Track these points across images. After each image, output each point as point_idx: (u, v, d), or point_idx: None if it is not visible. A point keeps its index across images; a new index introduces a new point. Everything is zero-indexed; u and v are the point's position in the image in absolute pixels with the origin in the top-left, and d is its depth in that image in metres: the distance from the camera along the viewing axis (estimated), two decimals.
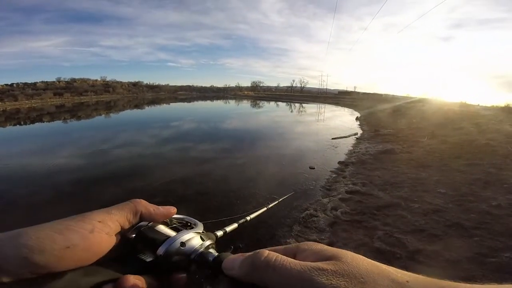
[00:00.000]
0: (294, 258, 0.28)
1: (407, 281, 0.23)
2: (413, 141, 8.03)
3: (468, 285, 0.22)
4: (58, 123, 17.43)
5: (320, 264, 0.24)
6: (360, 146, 8.04)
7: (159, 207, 0.35)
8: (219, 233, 0.42)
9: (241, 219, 0.53)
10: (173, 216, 0.37)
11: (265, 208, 0.65)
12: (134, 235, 0.33)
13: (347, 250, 0.26)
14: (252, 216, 0.57)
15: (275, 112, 24.52)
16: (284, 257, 0.26)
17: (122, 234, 0.32)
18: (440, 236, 2.87)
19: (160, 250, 0.31)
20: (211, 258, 0.32)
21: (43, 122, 18.64)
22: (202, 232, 0.36)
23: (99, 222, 0.29)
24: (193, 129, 12.78)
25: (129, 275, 0.27)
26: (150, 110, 27.67)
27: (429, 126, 9.90)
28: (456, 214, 3.28)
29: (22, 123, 18.56)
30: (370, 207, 3.59)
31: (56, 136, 11.72)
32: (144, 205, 0.34)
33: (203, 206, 3.92)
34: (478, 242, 2.70)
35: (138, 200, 0.34)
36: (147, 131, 11.69)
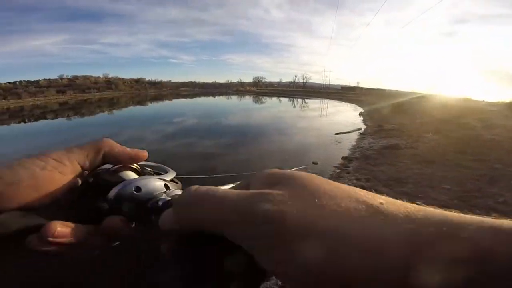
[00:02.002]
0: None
1: (380, 202, 0.18)
2: (417, 136, 7.95)
3: (460, 214, 0.18)
4: (62, 120, 17.58)
5: (263, 190, 0.19)
6: (363, 141, 7.97)
7: (127, 148, 0.31)
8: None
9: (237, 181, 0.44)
10: (146, 164, 0.32)
11: None
12: (92, 178, 0.29)
13: None
14: None
15: (277, 108, 24.42)
16: (220, 188, 0.21)
17: (82, 177, 0.28)
18: None
19: (111, 194, 0.26)
20: (161, 203, 0.26)
21: (47, 119, 18.77)
22: (171, 180, 0.30)
23: (54, 159, 0.25)
24: (196, 124, 12.78)
25: (54, 222, 0.23)
26: (153, 107, 27.73)
27: (434, 121, 9.80)
28: (461, 210, 3.23)
29: (26, 120, 18.74)
30: None
31: (60, 133, 11.82)
32: (109, 144, 0.30)
33: None
34: None
35: (104, 138, 0.30)
36: (150, 127, 11.71)
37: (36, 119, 18.81)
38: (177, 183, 0.31)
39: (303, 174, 0.21)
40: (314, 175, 0.21)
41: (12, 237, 0.22)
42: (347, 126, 11.02)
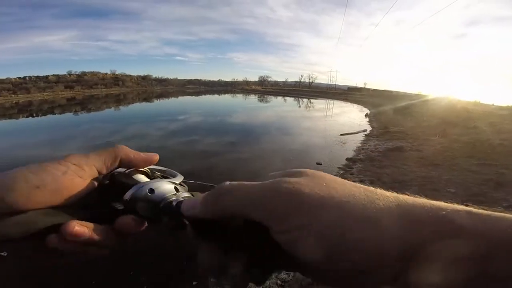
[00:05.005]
0: None
1: (374, 188, 0.23)
2: (424, 139, 7.89)
3: (444, 203, 0.21)
4: (69, 115, 17.81)
5: (282, 178, 0.24)
6: (369, 143, 7.93)
7: (140, 153, 0.33)
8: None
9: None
10: (156, 168, 0.35)
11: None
12: (108, 181, 0.31)
13: None
14: None
15: (282, 107, 24.38)
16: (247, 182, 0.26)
17: (99, 180, 0.31)
18: None
19: (127, 195, 0.29)
20: (174, 203, 0.29)
21: (55, 114, 19.04)
22: (179, 183, 0.33)
23: (74, 164, 0.28)
24: (200, 122, 12.82)
25: (73, 221, 0.26)
26: (159, 103, 27.94)
27: (441, 124, 9.69)
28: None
29: (34, 115, 19.02)
30: None
31: (66, 128, 11.96)
32: (124, 151, 0.32)
33: None
34: None
35: (119, 145, 0.32)
36: (155, 124, 11.78)
37: (44, 114, 19.13)
38: (184, 186, 0.34)
39: (310, 170, 0.26)
40: (319, 171, 0.26)
41: (34, 235, 0.24)
42: (352, 127, 10.97)
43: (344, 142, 8.10)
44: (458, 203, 0.21)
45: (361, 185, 0.23)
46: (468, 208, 0.20)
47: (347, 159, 6.10)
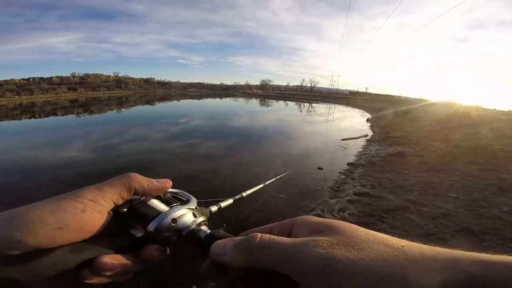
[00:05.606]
0: (290, 233, 0.29)
1: (402, 245, 0.24)
2: (425, 144, 7.87)
3: (461, 251, 0.23)
4: (71, 117, 17.89)
5: (314, 237, 0.25)
6: (370, 148, 7.92)
7: (154, 180, 0.34)
8: (214, 208, 0.42)
9: (237, 195, 0.52)
10: (169, 190, 0.37)
11: (262, 185, 0.63)
12: (126, 209, 0.32)
13: None
14: (248, 192, 0.56)
15: (283, 111, 24.42)
16: (278, 236, 0.26)
17: (115, 209, 0.31)
18: (448, 240, 2.82)
19: (151, 227, 0.30)
20: (202, 235, 0.32)
21: (57, 115, 19.13)
22: (195, 208, 0.35)
23: (91, 200, 0.28)
24: (202, 125, 12.85)
25: (104, 256, 0.27)
26: (162, 106, 28.01)
27: (442, 129, 9.68)
28: (466, 219, 3.20)
29: (36, 116, 19.12)
30: (379, 210, 3.54)
31: (67, 130, 12.00)
32: (138, 180, 0.32)
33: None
34: (486, 247, 2.63)
35: (131, 174, 0.33)
36: (157, 126, 11.84)
37: (47, 115, 19.23)
38: (198, 208, 0.36)
39: (339, 223, 0.27)
40: (350, 224, 0.27)
41: (67, 272, 0.25)
42: (354, 132, 10.96)
43: (345, 147, 8.09)
44: (478, 251, 0.23)
45: (391, 242, 0.24)
46: (486, 257, 0.22)
47: (349, 164, 6.09)
